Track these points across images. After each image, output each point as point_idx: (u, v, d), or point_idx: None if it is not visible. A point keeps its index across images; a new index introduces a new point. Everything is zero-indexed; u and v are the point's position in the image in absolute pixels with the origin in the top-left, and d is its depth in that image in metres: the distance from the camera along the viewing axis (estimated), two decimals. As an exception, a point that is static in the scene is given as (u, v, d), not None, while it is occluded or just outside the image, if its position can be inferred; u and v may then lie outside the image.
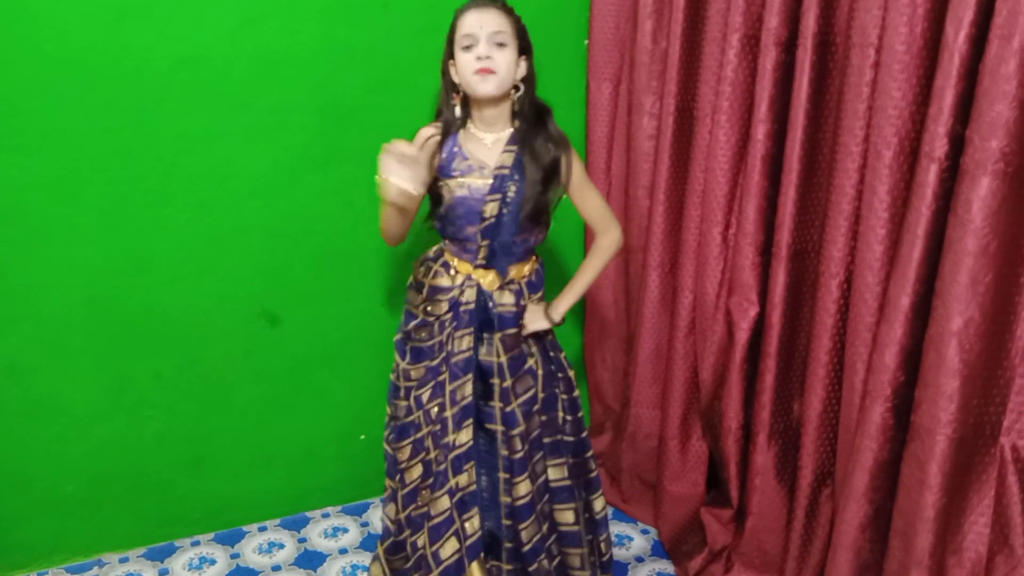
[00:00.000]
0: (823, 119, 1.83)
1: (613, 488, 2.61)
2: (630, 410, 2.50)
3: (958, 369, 1.46)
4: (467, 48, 1.67)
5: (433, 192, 1.79)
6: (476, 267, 1.79)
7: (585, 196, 1.84)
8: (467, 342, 1.78)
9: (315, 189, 2.19)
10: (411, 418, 1.86)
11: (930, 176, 1.48)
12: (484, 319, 1.80)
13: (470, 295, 1.79)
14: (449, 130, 1.77)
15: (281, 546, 2.35)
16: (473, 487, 1.78)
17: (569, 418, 1.91)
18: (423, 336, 1.84)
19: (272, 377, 2.32)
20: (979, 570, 1.54)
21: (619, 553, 2.37)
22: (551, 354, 1.89)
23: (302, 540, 2.38)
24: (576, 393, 1.93)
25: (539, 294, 1.87)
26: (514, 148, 1.75)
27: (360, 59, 2.13)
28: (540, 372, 1.84)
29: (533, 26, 2.41)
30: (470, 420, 1.77)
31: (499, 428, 1.79)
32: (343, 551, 2.34)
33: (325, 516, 2.49)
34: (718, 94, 2.02)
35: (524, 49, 1.74)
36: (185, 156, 2.05)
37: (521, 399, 1.81)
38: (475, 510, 1.78)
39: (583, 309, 2.72)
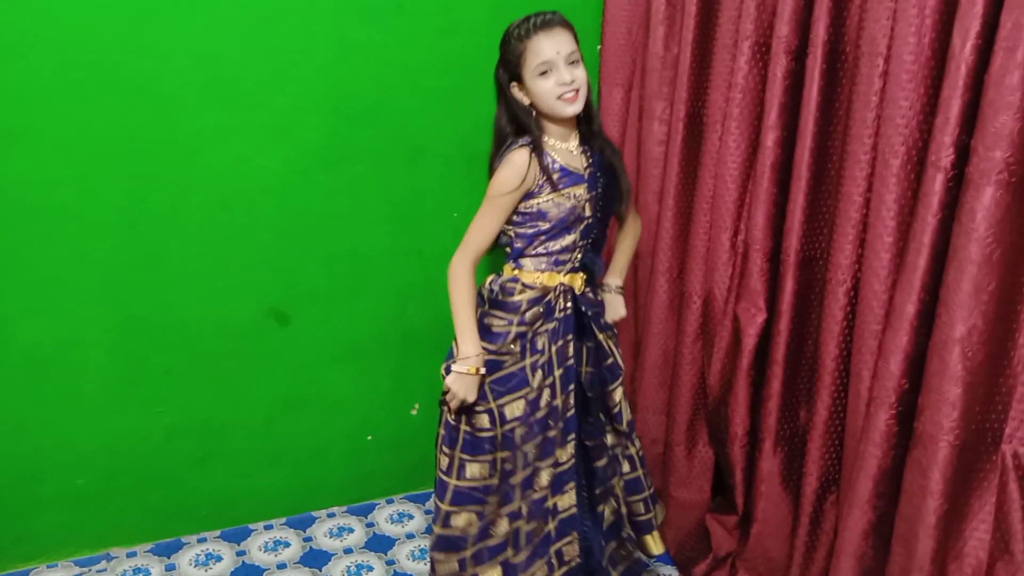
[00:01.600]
0: (832, 127, 1.84)
1: (618, 493, 2.62)
2: (636, 415, 2.51)
3: (961, 376, 1.47)
4: (544, 74, 1.67)
5: (524, 213, 1.76)
6: (567, 273, 1.81)
7: None
8: (570, 349, 1.81)
9: (327, 189, 2.22)
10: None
11: (936, 185, 1.49)
12: (580, 325, 1.83)
13: (565, 301, 1.81)
14: (540, 148, 1.74)
15: (287, 544, 2.37)
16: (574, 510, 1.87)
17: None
18: (509, 359, 1.81)
19: (281, 375, 2.35)
20: (980, 576, 1.55)
21: (623, 557, 2.37)
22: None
23: (307, 539, 2.39)
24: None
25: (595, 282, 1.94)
26: (587, 149, 1.80)
27: (374, 60, 2.16)
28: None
29: (546, 32, 2.43)
30: (572, 434, 1.84)
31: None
32: (348, 551, 2.35)
33: (331, 516, 2.51)
34: (729, 100, 2.03)
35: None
36: (201, 154, 2.07)
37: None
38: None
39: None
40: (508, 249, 1.83)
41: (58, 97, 1.92)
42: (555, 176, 1.74)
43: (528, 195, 1.74)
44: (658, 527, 2.08)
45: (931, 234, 1.52)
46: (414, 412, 2.54)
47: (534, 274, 1.80)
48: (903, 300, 1.57)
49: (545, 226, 1.77)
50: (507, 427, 1.81)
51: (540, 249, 1.79)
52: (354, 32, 2.12)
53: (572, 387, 1.83)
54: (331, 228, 2.26)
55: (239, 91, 2.06)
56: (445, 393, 1.76)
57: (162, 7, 1.94)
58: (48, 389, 2.11)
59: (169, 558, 2.28)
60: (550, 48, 1.65)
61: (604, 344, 1.88)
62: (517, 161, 1.71)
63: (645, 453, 2.49)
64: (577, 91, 1.68)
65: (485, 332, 1.79)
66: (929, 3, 1.53)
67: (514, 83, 1.73)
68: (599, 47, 2.46)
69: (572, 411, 1.83)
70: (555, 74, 1.66)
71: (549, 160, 1.75)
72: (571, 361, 1.82)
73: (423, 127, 2.25)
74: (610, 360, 1.90)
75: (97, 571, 2.21)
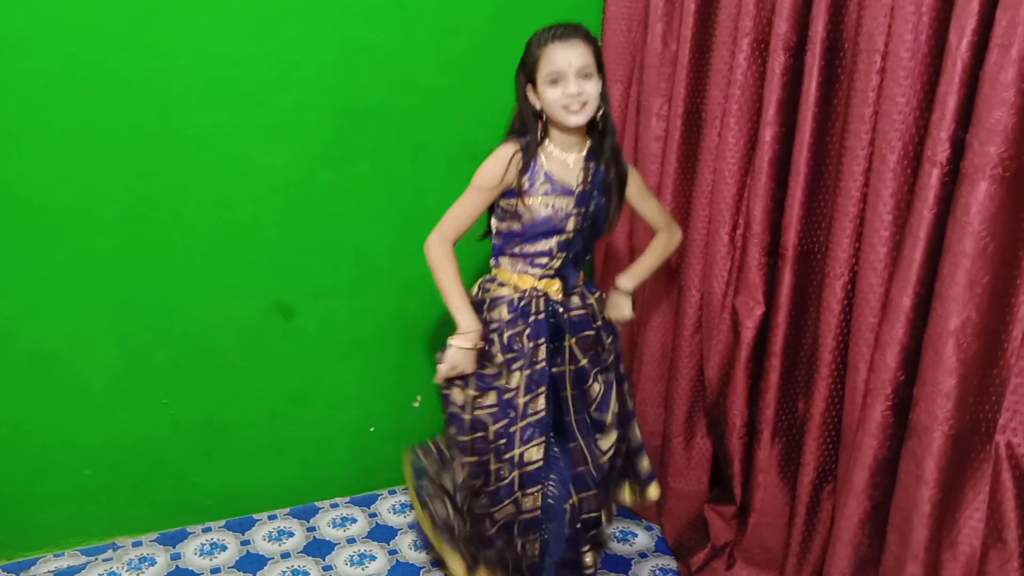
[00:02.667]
0: (830, 123, 1.87)
1: (618, 485, 2.65)
2: (635, 408, 2.54)
3: (955, 368, 1.50)
4: (554, 83, 1.70)
5: (505, 210, 1.81)
6: (541, 278, 1.83)
7: (648, 204, 1.98)
8: (542, 353, 1.80)
9: (331, 187, 2.24)
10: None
11: (932, 180, 1.52)
12: (556, 328, 1.83)
13: (539, 305, 1.82)
14: (531, 151, 1.78)
15: (291, 534, 2.40)
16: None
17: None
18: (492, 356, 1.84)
19: (285, 369, 2.37)
20: (973, 564, 1.57)
21: (623, 549, 2.41)
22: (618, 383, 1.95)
23: (311, 529, 2.42)
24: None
25: (597, 293, 1.95)
26: (592, 165, 1.81)
27: (377, 60, 2.18)
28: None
29: (546, 29, 2.45)
30: (542, 437, 1.81)
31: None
32: (351, 540, 2.38)
33: (334, 506, 2.54)
34: (727, 97, 2.06)
35: (600, 68, 1.77)
36: (205, 153, 2.10)
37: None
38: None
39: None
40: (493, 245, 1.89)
41: (63, 96, 1.94)
42: (538, 183, 1.77)
43: (509, 192, 1.78)
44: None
45: (927, 228, 1.54)
46: (416, 404, 2.57)
47: (510, 273, 1.85)
48: (899, 293, 1.60)
49: (517, 227, 1.81)
50: (478, 412, 1.84)
51: (516, 250, 1.83)
52: (357, 32, 2.14)
53: (543, 390, 1.80)
54: (335, 226, 2.28)
55: (243, 90, 2.08)
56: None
57: (167, 7, 1.96)
58: (54, 384, 2.14)
59: (174, 547, 2.31)
60: (563, 58, 1.69)
61: (573, 350, 1.85)
62: (501, 155, 1.76)
63: (645, 445, 2.53)
64: (584, 104, 1.71)
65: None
66: (926, 1, 1.55)
67: (530, 85, 1.76)
68: (599, 43, 2.48)
69: (542, 414, 1.80)
70: (563, 84, 1.69)
71: (538, 165, 1.77)
72: (542, 364, 1.80)
73: (426, 126, 2.27)
74: (582, 362, 1.86)
75: (103, 560, 2.24)
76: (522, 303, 1.82)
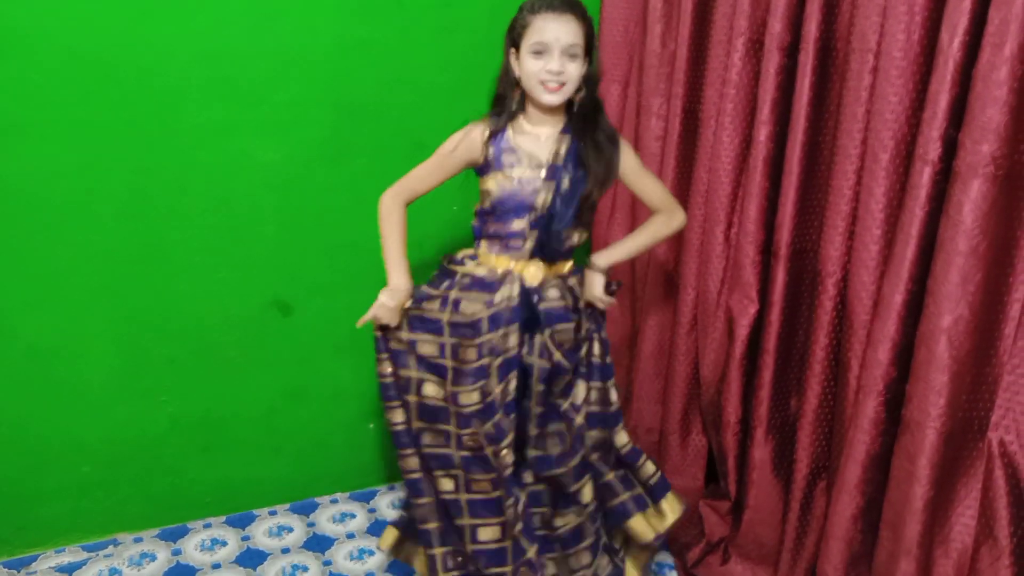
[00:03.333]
0: (823, 122, 1.88)
1: (615, 481, 2.66)
2: (632, 405, 2.55)
3: (948, 365, 1.51)
4: (537, 54, 1.66)
5: (482, 190, 1.80)
6: (518, 261, 1.80)
7: (645, 182, 1.88)
8: (513, 340, 1.76)
9: (328, 183, 2.25)
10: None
11: (924, 178, 1.53)
12: (529, 317, 1.78)
13: (513, 290, 1.77)
14: (501, 124, 1.75)
15: (290, 530, 2.41)
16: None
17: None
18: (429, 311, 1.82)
19: (283, 365, 2.38)
20: (965, 560, 1.59)
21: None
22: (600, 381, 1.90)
23: (311, 524, 2.44)
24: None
25: (579, 276, 1.89)
26: (568, 141, 1.76)
27: (374, 56, 2.19)
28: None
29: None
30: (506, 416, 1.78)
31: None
32: (351, 535, 2.39)
33: (334, 502, 2.55)
34: (723, 96, 2.07)
35: (590, 49, 1.72)
36: (202, 149, 2.10)
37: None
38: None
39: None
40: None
41: (60, 91, 1.94)
42: (503, 155, 1.75)
43: (481, 169, 1.78)
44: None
45: (919, 226, 1.55)
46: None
47: (488, 255, 1.82)
48: (891, 291, 1.61)
49: (487, 205, 1.79)
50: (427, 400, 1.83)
51: (491, 230, 1.81)
52: (355, 28, 2.15)
53: (512, 376, 1.75)
54: (332, 221, 2.29)
55: (240, 86, 2.09)
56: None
57: (164, 3, 1.97)
58: (52, 380, 2.15)
59: (175, 543, 2.32)
60: (552, 31, 1.64)
61: (545, 343, 1.80)
62: (469, 128, 1.77)
63: (641, 441, 2.55)
64: (562, 85, 1.67)
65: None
66: (919, 1, 1.56)
67: (513, 50, 1.72)
68: (593, 24, 2.49)
69: (510, 397, 1.76)
70: (546, 59, 1.65)
71: (504, 138, 1.75)
72: (512, 352, 1.75)
73: (423, 123, 2.28)
74: (556, 356, 1.80)
75: (104, 556, 2.25)
76: (498, 287, 1.78)
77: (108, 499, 2.29)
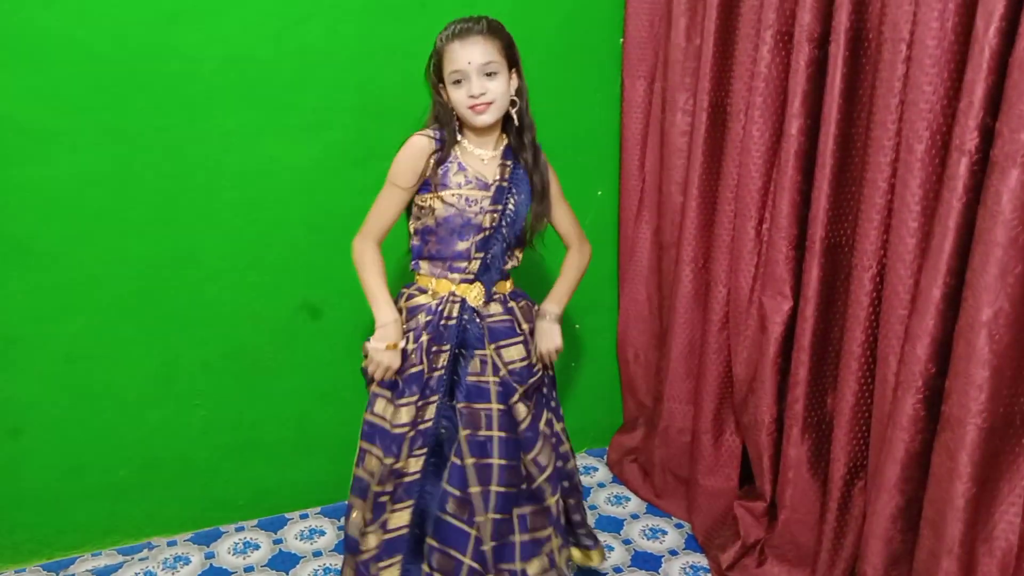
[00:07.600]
0: (856, 114, 1.85)
1: (646, 483, 2.64)
2: (663, 405, 2.53)
3: (988, 359, 1.47)
4: (457, 83, 1.67)
5: (420, 207, 1.77)
6: (460, 283, 1.78)
7: (560, 208, 1.89)
8: (442, 360, 1.75)
9: (356, 186, 2.25)
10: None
11: (961, 169, 1.50)
12: (465, 337, 1.76)
13: (452, 310, 1.76)
14: (446, 146, 1.74)
15: (322, 533, 2.41)
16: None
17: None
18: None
19: (314, 368, 2.39)
20: (1009, 559, 1.55)
21: (653, 546, 2.39)
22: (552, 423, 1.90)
23: (341, 528, 2.44)
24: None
25: (523, 301, 1.88)
26: (510, 162, 1.77)
27: (399, 58, 2.20)
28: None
29: (568, 25, 2.45)
30: (425, 449, 1.76)
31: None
32: (382, 539, 2.39)
33: (364, 505, 2.55)
34: (751, 90, 2.04)
35: (513, 62, 1.72)
36: (232, 154, 2.12)
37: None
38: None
39: (616, 305, 2.76)
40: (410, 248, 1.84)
41: (91, 100, 1.98)
42: (451, 174, 1.72)
43: (424, 187, 1.74)
44: None
45: (956, 218, 1.52)
46: None
47: (428, 278, 1.80)
48: (929, 284, 1.58)
49: (431, 223, 1.75)
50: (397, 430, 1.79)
51: (434, 250, 1.78)
52: (379, 31, 2.16)
53: (436, 399, 1.75)
54: (360, 224, 2.29)
55: (267, 91, 2.11)
56: (365, 358, 1.80)
57: (191, 10, 1.99)
58: (88, 384, 2.17)
59: (208, 546, 2.34)
60: (462, 58, 1.64)
61: (492, 359, 1.77)
62: (415, 143, 1.72)
63: (673, 442, 2.52)
64: (490, 104, 1.66)
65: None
66: (951, -13, 1.53)
67: (441, 85, 1.72)
68: (621, 40, 2.48)
69: (429, 423, 1.75)
70: (467, 85, 1.66)
71: (452, 157, 1.74)
72: (441, 372, 1.74)
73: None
74: (502, 373, 1.78)
75: (139, 559, 2.27)
76: (439, 308, 1.76)
77: (143, 502, 2.32)
